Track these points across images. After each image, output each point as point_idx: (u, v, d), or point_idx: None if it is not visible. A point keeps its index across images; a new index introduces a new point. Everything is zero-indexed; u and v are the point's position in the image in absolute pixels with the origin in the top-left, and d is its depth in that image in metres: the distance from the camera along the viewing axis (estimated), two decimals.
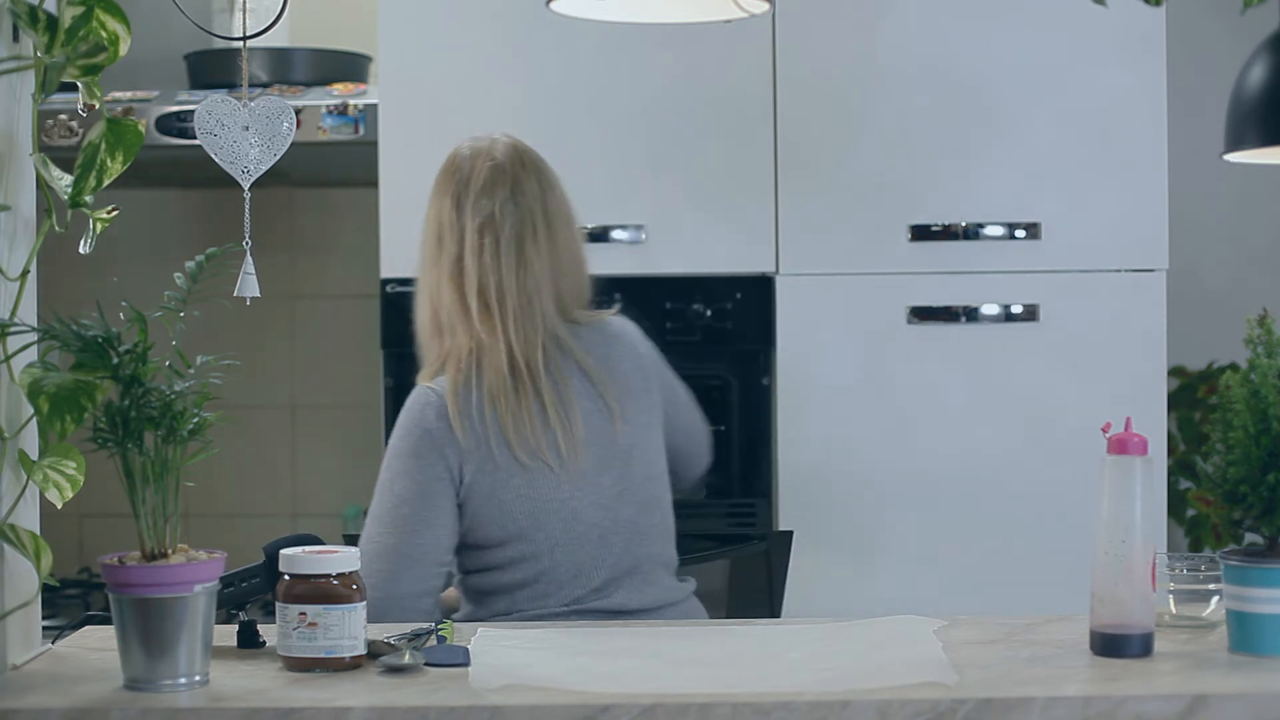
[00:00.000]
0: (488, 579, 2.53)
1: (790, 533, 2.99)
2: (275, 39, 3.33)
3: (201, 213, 3.82)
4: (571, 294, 2.62)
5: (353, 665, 1.97)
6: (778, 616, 3.09)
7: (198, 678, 1.90)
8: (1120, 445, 2.02)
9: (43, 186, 2.01)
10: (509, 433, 2.49)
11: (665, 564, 2.60)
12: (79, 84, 2.00)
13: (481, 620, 2.50)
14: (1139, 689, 1.86)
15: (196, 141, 2.27)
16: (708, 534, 2.98)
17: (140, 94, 3.39)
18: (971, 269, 3.23)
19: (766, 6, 2.29)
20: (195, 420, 1.93)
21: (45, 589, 2.00)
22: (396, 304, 3.25)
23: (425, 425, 2.50)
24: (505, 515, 2.50)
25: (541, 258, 2.57)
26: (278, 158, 2.28)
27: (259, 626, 2.11)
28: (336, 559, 1.99)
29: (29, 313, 2.05)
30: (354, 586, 1.99)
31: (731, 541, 2.96)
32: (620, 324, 2.67)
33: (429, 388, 2.54)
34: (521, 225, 2.57)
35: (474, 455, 2.49)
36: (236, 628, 2.11)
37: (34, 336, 1.96)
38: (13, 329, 1.95)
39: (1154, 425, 3.15)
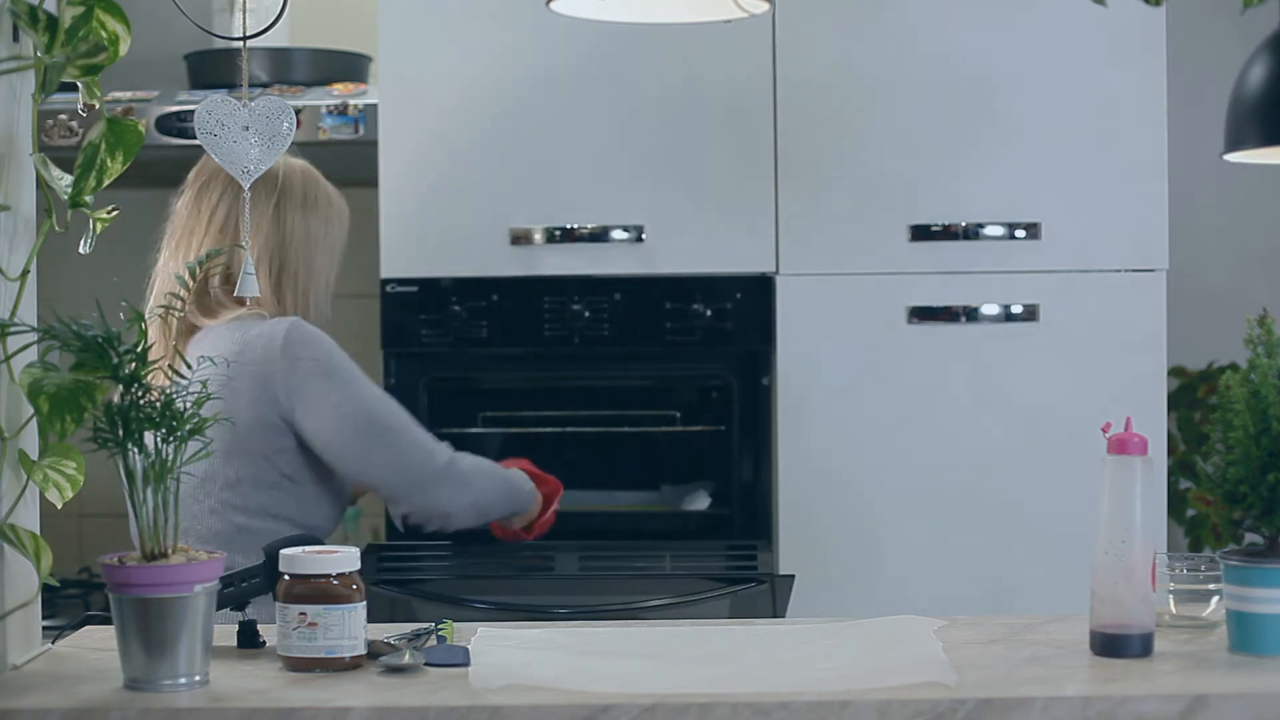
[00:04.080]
0: None
1: (791, 576, 2.98)
2: (275, 39, 3.33)
3: None
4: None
5: (353, 665, 1.97)
6: None
7: (198, 678, 1.90)
8: (1120, 445, 2.02)
9: (43, 186, 2.01)
10: None
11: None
12: (79, 84, 2.00)
13: None
14: (1139, 689, 1.86)
15: (196, 141, 2.27)
16: (708, 574, 2.98)
17: (140, 94, 3.39)
18: (971, 269, 3.23)
19: (766, 6, 2.29)
20: (195, 420, 1.93)
21: (45, 589, 2.00)
22: (396, 304, 3.26)
23: None
24: None
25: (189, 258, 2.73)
26: (278, 158, 2.29)
27: (259, 626, 2.12)
28: (336, 559, 1.99)
29: (29, 313, 2.05)
30: (354, 586, 1.99)
31: (732, 582, 2.96)
32: (223, 332, 2.73)
33: None
34: (188, 223, 2.83)
35: None
36: (236, 628, 2.11)
37: (34, 336, 1.96)
38: (13, 329, 1.95)
39: (1154, 425, 3.15)
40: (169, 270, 2.79)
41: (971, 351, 3.22)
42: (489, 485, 2.88)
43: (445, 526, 2.85)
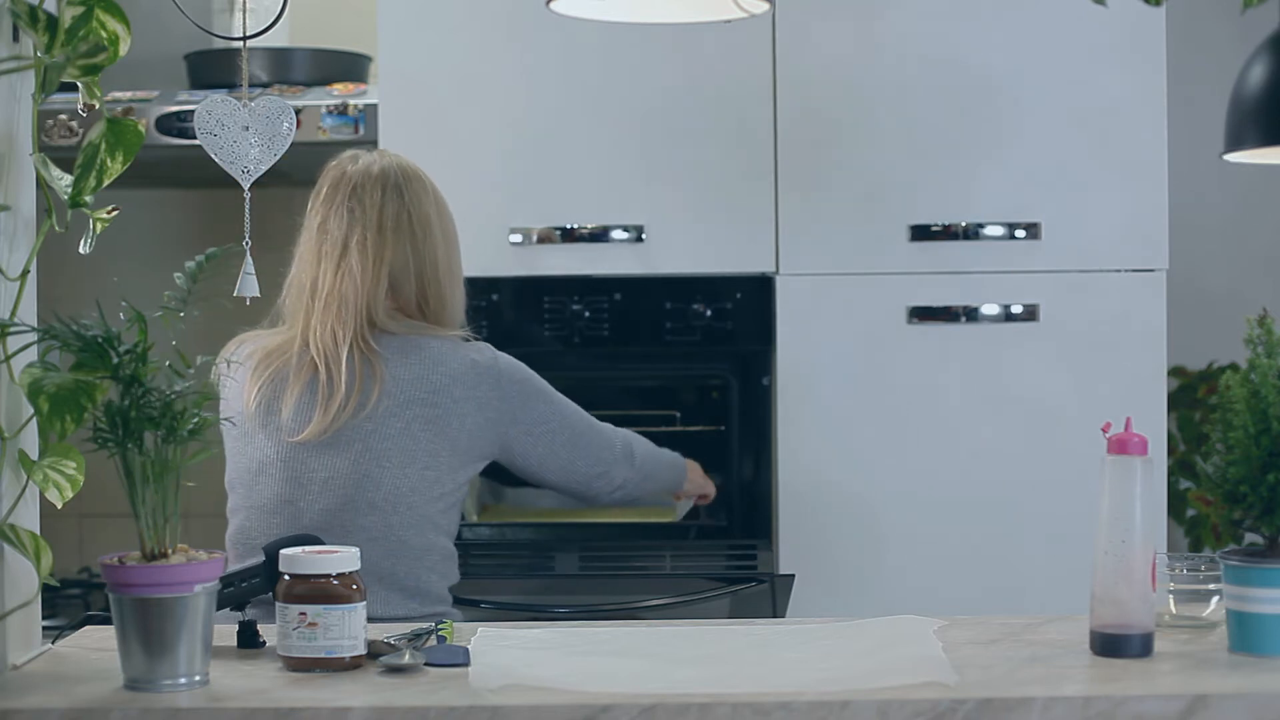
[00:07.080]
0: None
1: (791, 576, 2.99)
2: (275, 39, 3.33)
3: (201, 213, 3.82)
4: (401, 302, 2.71)
5: (353, 665, 1.97)
6: None
7: (198, 678, 1.90)
8: (1120, 445, 2.02)
9: (43, 186, 2.02)
10: (250, 394, 2.64)
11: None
12: (79, 84, 2.00)
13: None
14: (1139, 689, 1.86)
15: (196, 141, 2.27)
16: (708, 574, 2.98)
17: (140, 94, 3.39)
18: (971, 269, 3.23)
19: (766, 6, 2.29)
20: (195, 420, 1.93)
21: (45, 589, 2.00)
22: None
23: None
24: (231, 466, 2.71)
25: (365, 264, 2.68)
26: (278, 158, 2.29)
27: (259, 626, 2.12)
28: (336, 559, 1.99)
29: (29, 313, 2.05)
30: (354, 586, 1.99)
31: (732, 582, 2.97)
32: (441, 348, 2.68)
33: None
34: (349, 231, 2.71)
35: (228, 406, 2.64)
36: (236, 628, 2.11)
37: (34, 336, 1.96)
38: (13, 329, 1.95)
39: (1154, 425, 3.15)
40: (346, 284, 2.68)
41: (971, 352, 3.23)
42: (654, 459, 2.95)
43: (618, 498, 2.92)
